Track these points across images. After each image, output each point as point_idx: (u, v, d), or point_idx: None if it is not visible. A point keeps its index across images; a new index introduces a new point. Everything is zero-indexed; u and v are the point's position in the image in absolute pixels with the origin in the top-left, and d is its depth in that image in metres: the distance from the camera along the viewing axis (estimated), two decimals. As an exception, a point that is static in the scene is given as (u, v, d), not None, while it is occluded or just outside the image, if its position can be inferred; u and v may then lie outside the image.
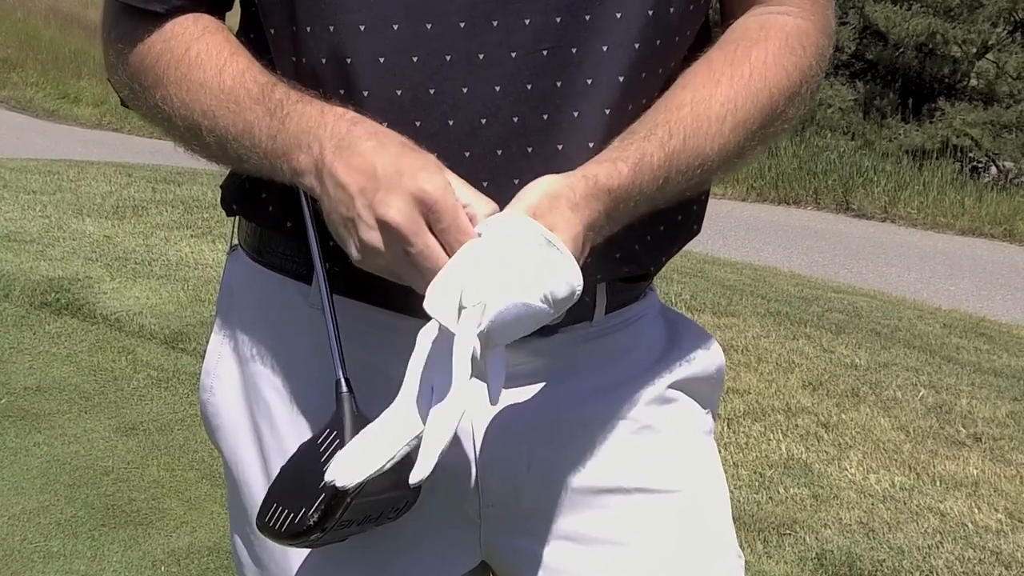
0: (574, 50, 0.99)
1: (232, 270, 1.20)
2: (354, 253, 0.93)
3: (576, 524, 1.12)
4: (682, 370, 1.16)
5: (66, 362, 4.05)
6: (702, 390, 1.19)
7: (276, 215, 1.08)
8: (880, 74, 17.06)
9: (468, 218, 0.90)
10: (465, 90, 0.98)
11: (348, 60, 0.98)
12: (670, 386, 1.15)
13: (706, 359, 1.20)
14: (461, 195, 0.91)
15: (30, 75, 15.42)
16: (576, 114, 1.00)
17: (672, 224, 1.11)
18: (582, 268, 0.90)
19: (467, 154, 0.98)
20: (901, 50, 16.39)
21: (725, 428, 3.84)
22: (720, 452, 3.92)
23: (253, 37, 1.07)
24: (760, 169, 11.92)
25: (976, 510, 3.36)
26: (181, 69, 1.00)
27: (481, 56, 0.97)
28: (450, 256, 0.89)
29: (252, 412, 1.14)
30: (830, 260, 9.08)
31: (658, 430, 1.14)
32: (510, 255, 0.88)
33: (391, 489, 0.99)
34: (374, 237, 0.90)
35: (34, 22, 18.81)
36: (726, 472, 3.56)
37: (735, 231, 9.71)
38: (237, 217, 1.18)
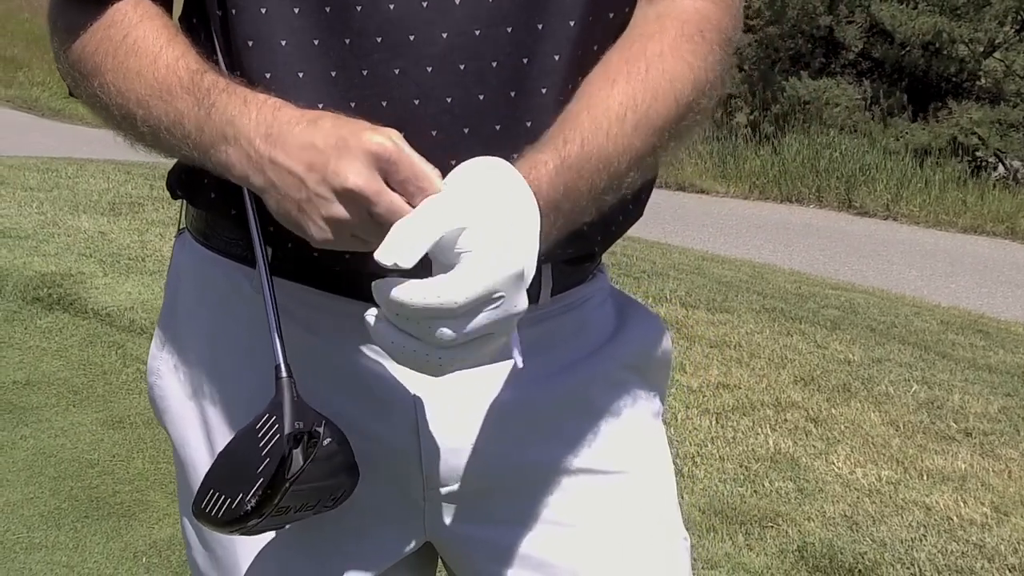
0: (540, 26, 0.99)
1: (179, 254, 1.21)
2: (315, 235, 0.90)
3: (520, 505, 1.11)
4: (629, 352, 1.16)
5: (56, 356, 4.06)
6: (650, 372, 1.18)
7: (218, 201, 1.08)
8: (886, 73, 16.98)
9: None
10: (430, 69, 0.97)
11: (315, 42, 0.98)
12: (617, 368, 1.15)
13: (653, 341, 1.19)
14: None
15: (36, 74, 15.41)
16: (544, 91, 1.00)
17: (618, 203, 1.10)
18: None
19: (434, 133, 0.98)
20: (907, 49, 16.30)
21: (714, 423, 3.83)
22: (707, 446, 3.88)
23: (196, 22, 1.07)
24: (763, 166, 11.89)
25: (962, 503, 3.35)
26: (119, 57, 1.00)
27: (445, 35, 0.97)
28: (413, 207, 0.87)
29: (197, 395, 1.14)
30: (831, 258, 9.07)
31: (604, 412, 1.13)
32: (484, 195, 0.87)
33: (329, 477, 0.99)
34: (336, 210, 0.88)
35: (40, 22, 18.77)
36: (712, 466, 3.56)
37: (737, 228, 9.70)
38: (183, 200, 1.18)
